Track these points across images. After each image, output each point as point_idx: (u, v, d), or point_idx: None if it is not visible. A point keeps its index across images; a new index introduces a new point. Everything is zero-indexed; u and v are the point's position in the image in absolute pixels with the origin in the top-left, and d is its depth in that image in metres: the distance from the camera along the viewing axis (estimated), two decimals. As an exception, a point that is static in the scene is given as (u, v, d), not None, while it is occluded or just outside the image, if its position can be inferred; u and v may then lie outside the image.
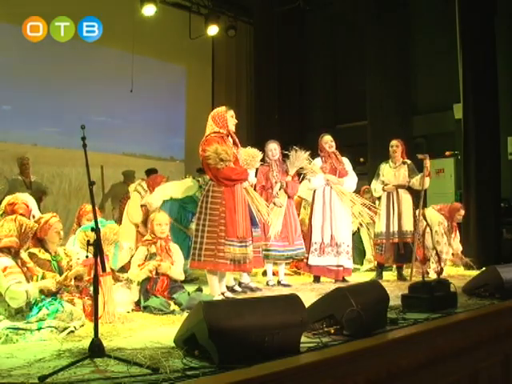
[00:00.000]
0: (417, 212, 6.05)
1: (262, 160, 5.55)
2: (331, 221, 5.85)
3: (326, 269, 5.84)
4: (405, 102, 9.89)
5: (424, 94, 9.98)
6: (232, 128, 4.64)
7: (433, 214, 6.54)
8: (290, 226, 5.66)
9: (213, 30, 10.53)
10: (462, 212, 6.60)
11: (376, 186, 6.23)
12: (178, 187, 5.90)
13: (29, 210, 4.37)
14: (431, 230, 6.39)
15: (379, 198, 6.29)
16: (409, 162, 6.21)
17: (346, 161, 6.12)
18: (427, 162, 6.00)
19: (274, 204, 5.61)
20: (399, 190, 6.11)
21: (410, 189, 6.18)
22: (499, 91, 7.50)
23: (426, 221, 6.38)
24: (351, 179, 6.03)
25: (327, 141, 6.02)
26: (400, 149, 6.20)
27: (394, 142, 6.25)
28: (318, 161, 6.00)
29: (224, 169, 4.43)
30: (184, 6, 10.73)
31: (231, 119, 4.62)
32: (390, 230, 6.03)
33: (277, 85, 11.17)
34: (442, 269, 6.40)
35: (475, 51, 7.42)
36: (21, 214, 3.87)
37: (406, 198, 6.12)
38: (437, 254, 6.32)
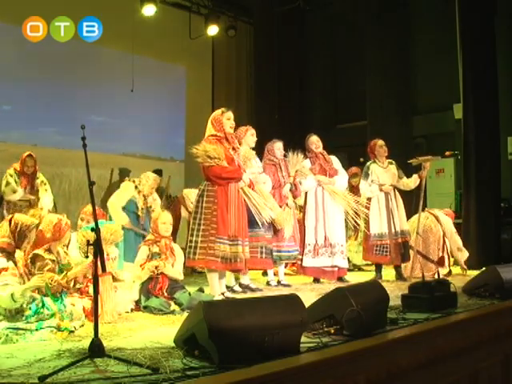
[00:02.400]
0: (418, 212, 6.05)
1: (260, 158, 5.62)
2: (324, 221, 5.85)
3: (320, 270, 5.85)
4: (405, 102, 9.89)
5: (424, 93, 9.98)
6: (229, 130, 4.65)
7: (443, 216, 6.55)
8: (295, 226, 5.75)
9: (213, 30, 10.52)
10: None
11: (372, 187, 6.06)
12: (120, 195, 6.01)
13: None
14: (447, 233, 6.40)
15: (369, 198, 6.13)
16: (393, 161, 6.22)
17: (334, 159, 6.10)
18: (427, 165, 6.00)
19: (286, 205, 5.67)
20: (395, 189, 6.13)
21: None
22: (499, 91, 7.49)
23: (440, 224, 6.39)
24: (342, 177, 6.03)
25: (313, 141, 6.02)
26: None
27: (382, 142, 6.21)
28: (306, 163, 5.98)
29: (214, 167, 4.46)
30: (184, 5, 10.72)
31: (227, 122, 4.62)
32: (392, 230, 6.00)
33: (277, 85, 11.17)
34: (450, 271, 6.43)
35: (475, 51, 7.41)
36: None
37: (400, 198, 6.14)
38: (448, 257, 6.35)
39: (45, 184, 6.32)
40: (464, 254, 6.46)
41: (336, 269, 5.84)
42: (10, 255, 3.33)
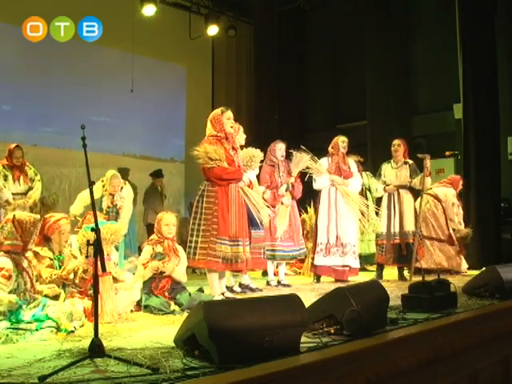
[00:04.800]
0: (419, 211, 6.07)
1: (263, 159, 5.61)
2: (336, 221, 5.91)
3: (331, 269, 5.90)
4: (405, 101, 9.88)
5: (424, 94, 9.97)
6: (230, 130, 4.63)
7: (442, 189, 6.61)
8: (294, 226, 5.75)
9: (213, 30, 10.53)
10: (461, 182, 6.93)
11: (378, 187, 6.31)
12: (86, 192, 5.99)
13: None
14: (444, 205, 6.43)
15: (380, 199, 6.35)
16: (410, 162, 6.23)
17: (352, 163, 6.20)
18: (427, 162, 6.02)
19: (282, 203, 5.68)
20: (400, 190, 6.13)
21: (411, 189, 6.20)
22: (499, 91, 7.50)
23: (439, 201, 6.44)
24: (356, 180, 6.10)
25: (344, 140, 6.13)
26: (402, 148, 6.23)
27: (395, 142, 6.29)
28: (323, 161, 6.05)
29: (215, 168, 4.45)
30: (184, 5, 10.73)
31: (227, 122, 4.60)
32: (390, 230, 6.05)
33: (277, 85, 11.17)
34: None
35: (475, 51, 7.41)
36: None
37: (408, 199, 6.13)
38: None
39: (36, 175, 6.32)
40: (460, 231, 6.53)
41: (347, 268, 5.89)
42: (17, 255, 3.28)
